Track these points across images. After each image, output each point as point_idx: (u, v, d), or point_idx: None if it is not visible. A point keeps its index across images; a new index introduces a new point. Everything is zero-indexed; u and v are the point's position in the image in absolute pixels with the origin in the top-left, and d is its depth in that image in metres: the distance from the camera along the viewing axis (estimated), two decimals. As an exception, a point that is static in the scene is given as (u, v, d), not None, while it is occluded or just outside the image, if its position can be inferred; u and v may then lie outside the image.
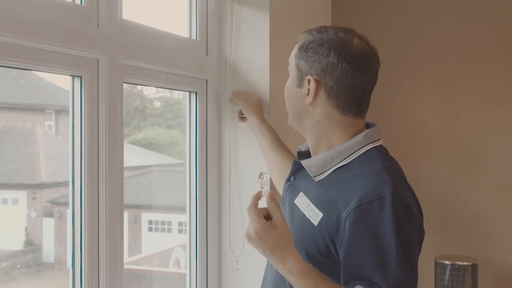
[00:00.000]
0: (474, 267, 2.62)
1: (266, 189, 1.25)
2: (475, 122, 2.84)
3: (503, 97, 2.81)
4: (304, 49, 1.39)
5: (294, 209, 1.42)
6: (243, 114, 2.01)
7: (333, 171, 1.36)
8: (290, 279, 1.22)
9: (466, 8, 2.85)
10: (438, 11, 2.90)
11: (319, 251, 1.26)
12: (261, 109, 1.97)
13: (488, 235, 2.81)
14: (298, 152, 1.55)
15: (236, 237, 2.09)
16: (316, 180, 1.38)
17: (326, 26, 1.42)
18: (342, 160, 1.36)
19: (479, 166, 2.84)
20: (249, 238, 1.22)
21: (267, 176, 1.27)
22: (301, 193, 1.39)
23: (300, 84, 1.41)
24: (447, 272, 2.61)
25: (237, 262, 2.09)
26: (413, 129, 2.95)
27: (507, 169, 2.79)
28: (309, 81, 1.38)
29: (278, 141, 1.89)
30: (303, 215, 1.36)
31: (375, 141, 1.40)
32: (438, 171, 2.87)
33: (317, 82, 1.37)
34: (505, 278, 2.80)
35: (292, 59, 1.43)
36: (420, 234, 1.32)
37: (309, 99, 1.39)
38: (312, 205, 1.34)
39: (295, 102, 1.44)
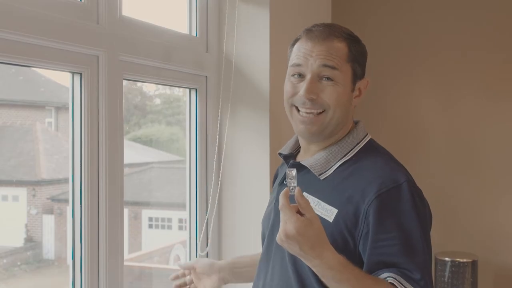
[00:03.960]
0: (474, 263, 2.62)
1: (294, 185, 1.20)
2: (475, 119, 2.84)
3: (503, 94, 2.81)
4: (360, 53, 1.38)
5: None
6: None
7: (338, 167, 1.37)
8: (328, 274, 1.20)
9: (465, 7, 2.85)
10: (437, 10, 2.89)
11: (336, 246, 1.24)
12: (214, 265, 1.66)
13: (488, 232, 2.81)
14: (283, 156, 1.50)
15: (236, 234, 2.08)
16: (321, 178, 1.37)
17: (338, 25, 1.41)
18: (345, 155, 1.38)
19: (479, 162, 2.84)
20: (287, 237, 1.16)
21: (293, 172, 1.21)
22: (304, 193, 1.35)
23: (353, 88, 1.39)
24: (447, 269, 2.61)
25: (237, 259, 2.09)
26: (413, 126, 2.95)
27: (507, 166, 2.79)
28: (367, 82, 1.41)
29: (247, 257, 1.70)
30: None
31: (367, 133, 1.44)
32: (438, 168, 2.87)
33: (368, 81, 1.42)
34: (505, 275, 2.80)
35: (342, 65, 1.34)
36: (430, 216, 1.36)
37: (358, 100, 1.41)
38: (322, 203, 1.33)
39: (348, 107, 1.39)
